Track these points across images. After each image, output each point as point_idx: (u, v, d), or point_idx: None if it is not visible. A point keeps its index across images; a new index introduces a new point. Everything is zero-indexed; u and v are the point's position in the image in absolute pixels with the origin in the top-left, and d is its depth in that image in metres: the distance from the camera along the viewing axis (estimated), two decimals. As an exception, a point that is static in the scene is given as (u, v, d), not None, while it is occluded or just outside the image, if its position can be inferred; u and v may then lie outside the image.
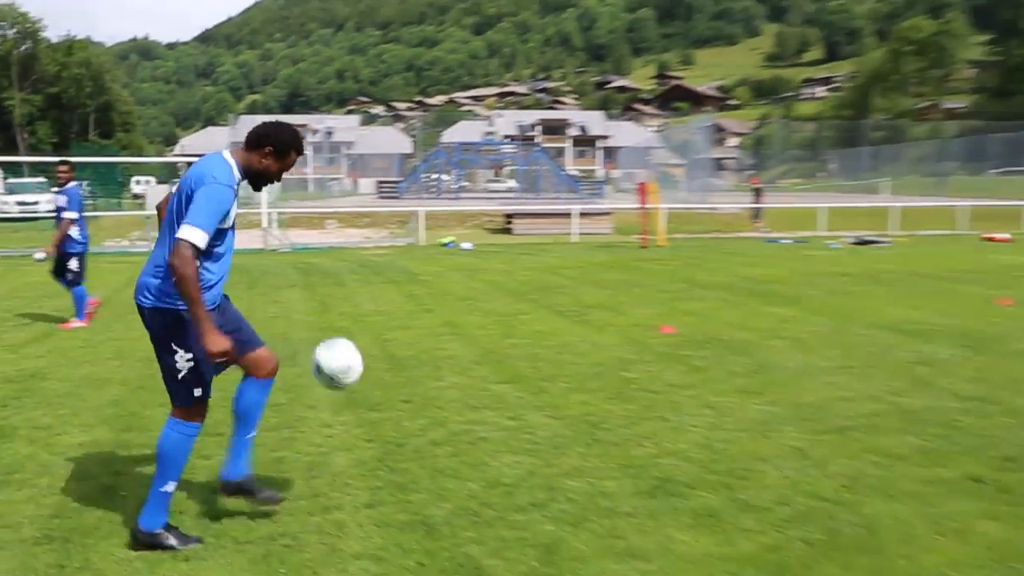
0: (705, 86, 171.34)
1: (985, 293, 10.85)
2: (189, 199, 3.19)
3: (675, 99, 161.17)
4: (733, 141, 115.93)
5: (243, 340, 3.49)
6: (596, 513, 3.69)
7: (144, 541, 3.35)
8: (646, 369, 6.37)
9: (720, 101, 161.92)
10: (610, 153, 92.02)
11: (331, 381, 3.60)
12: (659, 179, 39.33)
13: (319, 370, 3.60)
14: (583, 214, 23.57)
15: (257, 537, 3.47)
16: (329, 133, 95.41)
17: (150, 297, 3.28)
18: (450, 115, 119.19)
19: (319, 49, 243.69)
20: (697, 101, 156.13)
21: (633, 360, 6.70)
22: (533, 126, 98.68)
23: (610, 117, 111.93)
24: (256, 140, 3.39)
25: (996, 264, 15.13)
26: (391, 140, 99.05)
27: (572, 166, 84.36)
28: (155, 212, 3.81)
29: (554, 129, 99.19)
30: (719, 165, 72.36)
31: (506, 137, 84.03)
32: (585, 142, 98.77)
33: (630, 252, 17.82)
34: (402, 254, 17.98)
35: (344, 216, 28.23)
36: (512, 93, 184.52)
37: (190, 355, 3.29)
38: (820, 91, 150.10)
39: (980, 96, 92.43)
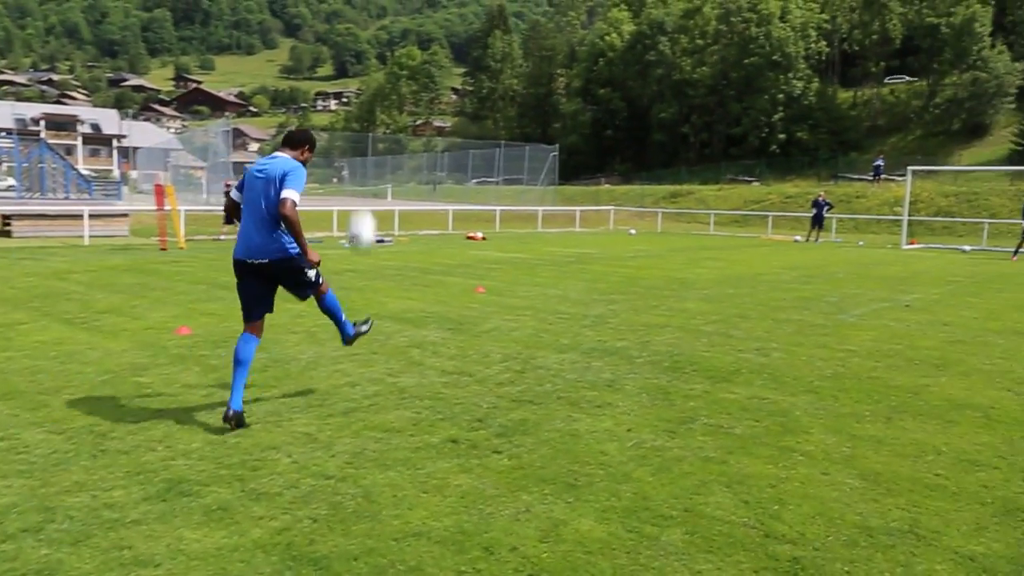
0: (225, 92, 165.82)
1: (466, 283, 12.21)
2: (281, 180, 4.53)
3: (195, 102, 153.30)
4: (254, 146, 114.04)
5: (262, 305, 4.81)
6: (100, 527, 3.32)
7: (354, 340, 5.31)
8: (161, 372, 5.93)
9: (240, 107, 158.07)
10: (127, 153, 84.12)
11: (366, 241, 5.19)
12: (180, 181, 37.05)
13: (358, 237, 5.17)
14: (96, 215, 21.19)
15: None
16: None
17: (279, 253, 4.64)
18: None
19: None
20: (217, 106, 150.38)
21: (147, 364, 6.19)
22: (36, 120, 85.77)
23: (126, 116, 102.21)
24: (299, 142, 4.81)
25: (475, 258, 17.12)
26: None
27: (84, 165, 75.42)
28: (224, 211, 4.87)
29: (61, 125, 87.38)
30: (240, 169, 70.53)
31: (1, 130, 71.72)
32: (98, 140, 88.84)
33: (148, 255, 16.48)
34: None
35: None
36: (9, 83, 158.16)
37: (313, 269, 4.78)
38: (332, 104, 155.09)
39: (461, 118, 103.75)
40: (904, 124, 64.77)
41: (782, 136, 62.80)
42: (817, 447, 4.56)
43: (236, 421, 4.57)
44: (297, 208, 4.46)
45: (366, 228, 5.17)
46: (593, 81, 73.36)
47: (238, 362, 4.63)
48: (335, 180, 70.56)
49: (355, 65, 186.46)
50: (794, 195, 41.61)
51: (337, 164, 71.04)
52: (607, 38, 73.66)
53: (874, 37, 65.43)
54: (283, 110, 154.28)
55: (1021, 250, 21.33)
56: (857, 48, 67.42)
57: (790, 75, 62.98)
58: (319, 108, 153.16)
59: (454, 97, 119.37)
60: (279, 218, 4.55)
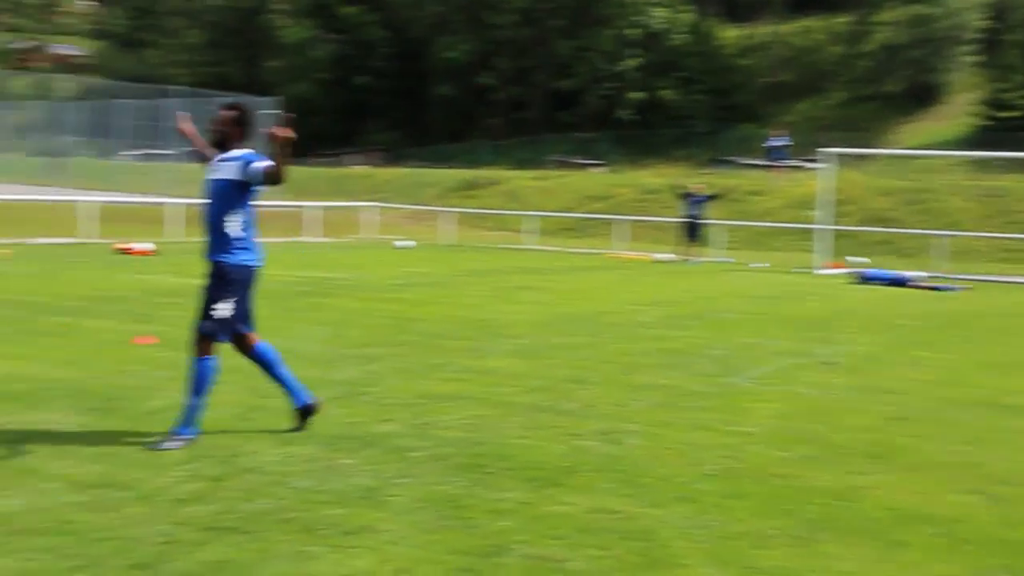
0: None
1: (120, 329, 11.84)
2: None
3: None
4: None
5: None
6: None
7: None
8: None
9: None
10: None
11: None
12: None
13: None
14: None
15: None
16: None
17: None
18: None
19: None
20: None
21: None
22: None
23: None
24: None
25: (134, 286, 16.63)
26: None
27: None
28: None
29: None
30: None
31: None
32: None
33: None
34: None
35: None
36: None
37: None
38: None
39: (105, 44, 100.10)
40: (820, 82, 70.08)
41: (638, 95, 65.77)
42: (696, 589, 4.83)
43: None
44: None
45: None
46: (334, -7, 73.66)
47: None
48: None
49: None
50: (657, 188, 43.73)
51: None
52: (355, -77, 74.40)
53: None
54: None
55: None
56: (750, -40, 72.36)
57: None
58: None
59: (92, 4, 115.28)
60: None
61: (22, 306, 13.66)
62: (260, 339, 7.44)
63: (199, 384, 7.05)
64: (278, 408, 8.00)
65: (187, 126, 7.92)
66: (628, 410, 8.52)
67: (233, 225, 7.12)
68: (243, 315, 7.29)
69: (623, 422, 8.04)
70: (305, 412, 7.39)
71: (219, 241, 7.14)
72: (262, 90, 60.18)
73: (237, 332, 7.27)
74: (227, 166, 7.12)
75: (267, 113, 50.61)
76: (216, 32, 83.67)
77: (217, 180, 7.15)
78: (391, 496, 5.93)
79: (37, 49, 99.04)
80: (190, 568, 4.75)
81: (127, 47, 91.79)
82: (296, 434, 7.25)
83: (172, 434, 6.94)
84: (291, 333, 12.08)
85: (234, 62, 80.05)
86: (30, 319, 12.48)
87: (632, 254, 31.91)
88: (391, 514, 5.62)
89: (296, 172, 53.17)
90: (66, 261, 21.48)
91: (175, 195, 36.46)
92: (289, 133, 6.63)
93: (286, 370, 7.44)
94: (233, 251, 7.14)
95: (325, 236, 35.28)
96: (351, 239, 35.66)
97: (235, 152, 7.15)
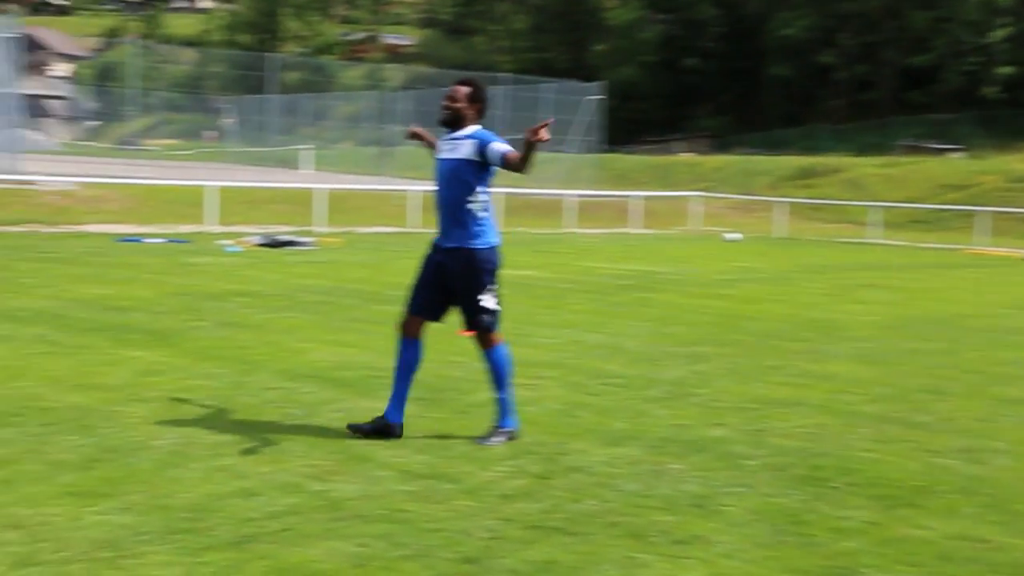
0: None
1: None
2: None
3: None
4: (63, 68, 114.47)
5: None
6: None
7: (492, 440, 7.00)
8: None
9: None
10: None
11: None
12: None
13: None
14: None
15: None
16: None
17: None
18: None
19: None
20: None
21: None
22: None
23: None
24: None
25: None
26: None
27: None
28: None
29: None
30: (38, 107, 70.58)
31: None
32: None
33: None
34: None
35: None
36: None
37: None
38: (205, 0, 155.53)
39: (432, 32, 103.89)
40: None
41: (1007, 70, 62.58)
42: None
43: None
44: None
45: None
46: (665, -28, 73.93)
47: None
48: (209, 134, 70.54)
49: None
50: (1027, 176, 41.71)
51: (216, 107, 71.05)
52: None
53: None
54: (115, 5, 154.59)
55: None
56: None
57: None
58: (178, 5, 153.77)
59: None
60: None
61: (353, 294, 14.40)
62: (423, 339, 7.33)
63: (499, 376, 7.15)
64: (602, 406, 8.11)
65: (415, 128, 7.98)
66: (995, 427, 8.15)
67: (475, 207, 7.11)
68: (442, 302, 7.30)
69: (989, 439, 7.69)
70: (385, 429, 7.02)
71: (462, 225, 7.10)
72: (586, 75, 60.99)
73: (419, 312, 7.29)
74: (462, 145, 7.08)
75: (590, 99, 51.41)
76: (541, 17, 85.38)
77: (452, 160, 7.11)
78: (724, 506, 5.88)
79: (370, 39, 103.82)
80: (517, 566, 4.85)
81: (454, 35, 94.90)
82: (621, 435, 7.29)
83: (495, 428, 7.08)
84: (614, 328, 12.22)
85: (558, 47, 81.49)
86: (360, 307, 13.13)
87: (997, 250, 30.59)
88: (724, 525, 5.57)
89: (620, 160, 53.93)
90: (393, 250, 22.41)
91: (497, 184, 37.36)
92: (546, 136, 6.58)
93: (410, 383, 7.21)
94: (481, 235, 7.14)
95: (649, 227, 35.46)
96: (676, 231, 35.69)
97: (467, 130, 7.12)
